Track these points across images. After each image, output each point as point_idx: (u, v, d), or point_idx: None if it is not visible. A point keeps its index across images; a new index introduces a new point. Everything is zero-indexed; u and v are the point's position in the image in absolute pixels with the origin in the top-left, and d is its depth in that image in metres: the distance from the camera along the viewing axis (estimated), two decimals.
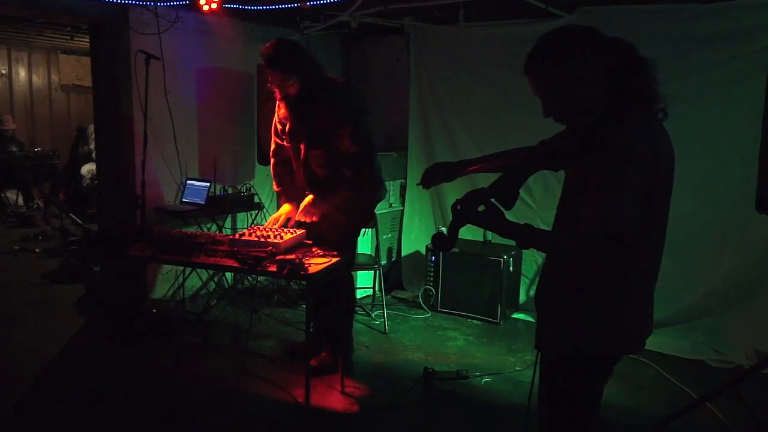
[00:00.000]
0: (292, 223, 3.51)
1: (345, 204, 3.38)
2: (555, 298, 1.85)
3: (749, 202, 3.88)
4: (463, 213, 1.71)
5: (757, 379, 2.98)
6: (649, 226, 1.69)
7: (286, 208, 3.56)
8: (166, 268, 4.65)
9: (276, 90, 3.30)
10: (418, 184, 2.32)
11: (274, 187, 3.70)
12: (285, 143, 3.51)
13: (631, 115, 1.66)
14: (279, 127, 3.52)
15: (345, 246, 3.36)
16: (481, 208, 1.71)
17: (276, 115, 3.52)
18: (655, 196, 1.66)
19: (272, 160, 3.65)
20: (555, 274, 1.88)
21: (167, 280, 4.73)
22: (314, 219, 3.38)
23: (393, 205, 5.28)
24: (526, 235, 1.69)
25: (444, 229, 4.94)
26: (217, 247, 3.19)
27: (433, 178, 2.25)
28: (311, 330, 3.77)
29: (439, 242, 1.77)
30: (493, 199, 1.78)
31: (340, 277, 3.41)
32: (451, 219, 1.74)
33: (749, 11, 3.76)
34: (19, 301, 4.75)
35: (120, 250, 3.30)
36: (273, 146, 3.62)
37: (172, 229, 3.65)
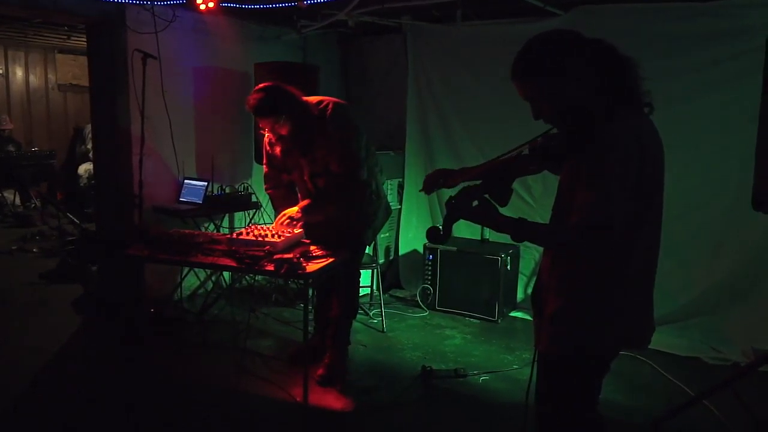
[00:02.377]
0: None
1: (335, 215, 3.40)
2: (553, 297, 1.86)
3: (746, 201, 3.86)
4: (456, 207, 1.76)
5: (754, 377, 2.99)
6: (641, 220, 1.70)
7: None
8: (164, 267, 4.64)
9: (270, 134, 3.35)
10: (420, 191, 2.35)
11: (273, 208, 3.73)
12: (284, 175, 3.54)
13: (617, 113, 1.68)
14: (270, 151, 3.52)
15: (352, 245, 3.43)
16: (474, 203, 1.74)
17: (267, 145, 3.52)
18: (643, 190, 1.68)
19: (266, 185, 3.65)
20: (552, 273, 1.88)
21: (165, 280, 4.73)
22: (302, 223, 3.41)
23: (390, 204, 5.28)
24: (519, 229, 1.72)
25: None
26: (215, 246, 3.19)
27: (433, 183, 2.28)
28: (313, 330, 3.79)
29: (433, 236, 1.82)
30: (486, 195, 1.81)
31: (349, 277, 3.50)
32: (445, 214, 1.78)
33: (746, 10, 3.76)
34: (18, 301, 4.74)
35: (118, 249, 3.30)
36: (266, 170, 3.62)
37: (170, 228, 3.65)
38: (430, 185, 2.29)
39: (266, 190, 3.70)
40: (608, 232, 1.61)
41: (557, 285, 1.85)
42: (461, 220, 1.81)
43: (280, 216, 3.40)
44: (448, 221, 1.78)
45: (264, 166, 3.63)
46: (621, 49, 1.75)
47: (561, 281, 1.84)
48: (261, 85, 3.28)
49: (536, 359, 1.95)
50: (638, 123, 1.70)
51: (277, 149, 3.43)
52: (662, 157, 1.75)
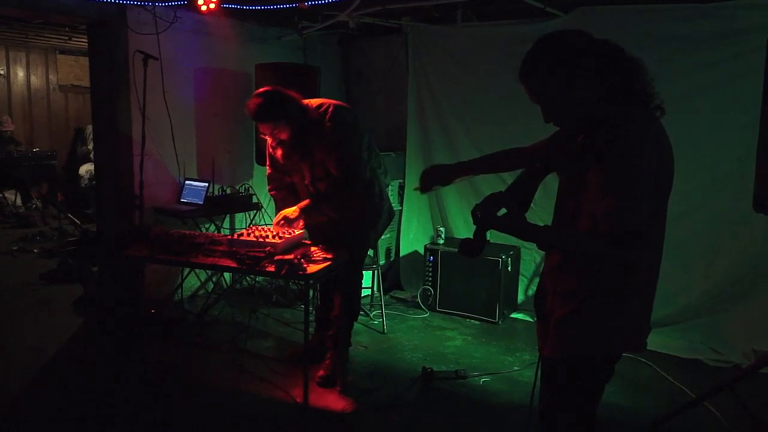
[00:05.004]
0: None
1: (335, 217, 3.41)
2: (558, 302, 1.85)
3: (746, 202, 3.86)
4: (484, 219, 1.72)
5: (755, 378, 2.99)
6: (650, 223, 1.69)
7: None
8: (165, 268, 4.64)
9: (269, 138, 3.35)
10: (415, 189, 2.33)
11: (277, 209, 3.75)
12: (287, 177, 3.56)
13: (630, 115, 1.67)
14: (273, 153, 3.52)
15: (354, 247, 3.42)
16: (501, 212, 1.72)
17: (270, 147, 3.52)
18: (657, 194, 1.67)
19: (269, 186, 3.68)
20: (555, 275, 1.88)
21: (166, 281, 4.73)
22: (301, 225, 3.43)
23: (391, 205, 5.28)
24: (547, 238, 1.70)
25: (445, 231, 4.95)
26: (216, 247, 3.19)
27: (430, 182, 2.27)
28: (313, 331, 3.79)
29: (466, 249, 1.77)
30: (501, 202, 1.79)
31: (351, 279, 3.50)
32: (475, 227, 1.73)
33: (744, 11, 3.76)
34: (18, 301, 4.74)
35: (118, 250, 3.30)
36: (269, 171, 3.63)
37: (171, 229, 3.66)
38: (427, 184, 2.28)
39: (269, 191, 3.72)
40: (639, 237, 1.60)
41: (563, 290, 1.84)
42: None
43: (277, 216, 3.41)
44: (480, 234, 1.75)
45: (267, 167, 3.64)
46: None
47: (567, 286, 1.83)
48: (260, 90, 3.28)
49: (540, 362, 1.95)
50: (652, 125, 1.69)
51: (279, 153, 3.43)
52: (673, 161, 1.73)
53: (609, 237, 1.62)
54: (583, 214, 1.72)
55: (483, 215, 1.72)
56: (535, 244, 1.86)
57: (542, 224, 1.80)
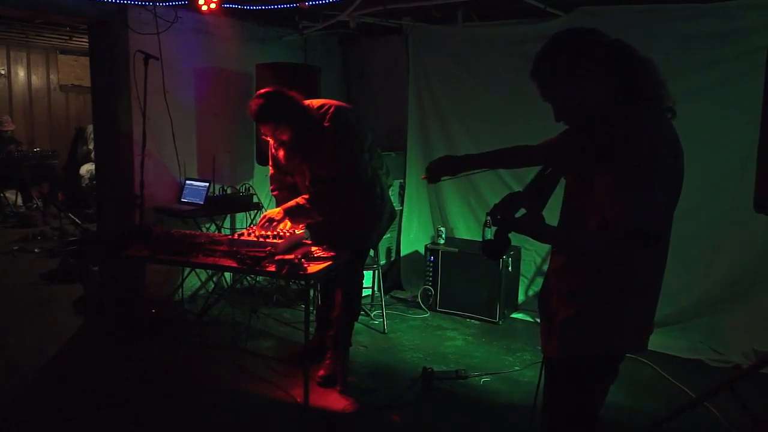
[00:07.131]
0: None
1: (321, 219, 3.42)
2: (564, 304, 1.85)
3: (747, 202, 3.86)
4: (504, 221, 1.72)
5: (755, 378, 2.99)
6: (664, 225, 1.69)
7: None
8: (165, 268, 4.65)
9: (271, 140, 3.36)
10: (423, 178, 2.34)
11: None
12: (288, 177, 3.56)
13: (631, 115, 1.66)
14: (275, 154, 3.53)
15: (355, 247, 3.43)
16: (519, 213, 1.73)
17: (272, 147, 3.52)
18: (669, 195, 1.67)
19: (271, 186, 3.69)
20: (558, 276, 1.88)
21: (166, 281, 4.73)
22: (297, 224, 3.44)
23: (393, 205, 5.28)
24: (564, 239, 1.70)
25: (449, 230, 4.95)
26: (216, 247, 3.19)
27: (437, 173, 2.28)
28: (314, 331, 3.79)
29: (489, 252, 1.77)
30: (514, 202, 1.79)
31: (351, 279, 3.51)
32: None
33: (747, 11, 3.76)
34: (18, 301, 4.75)
35: (118, 250, 3.30)
36: (271, 171, 3.64)
37: (171, 229, 3.66)
38: (434, 174, 2.29)
39: (272, 191, 3.72)
40: (655, 237, 1.58)
41: (565, 290, 1.84)
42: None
43: (261, 218, 3.41)
44: (502, 234, 1.74)
45: (270, 167, 3.64)
46: None
47: (569, 286, 1.83)
48: (262, 91, 3.27)
49: (543, 363, 1.94)
50: (663, 125, 1.68)
51: (281, 153, 3.44)
52: (683, 163, 1.71)
53: (623, 236, 1.60)
54: (589, 215, 1.72)
55: (503, 217, 1.73)
56: (539, 243, 1.86)
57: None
